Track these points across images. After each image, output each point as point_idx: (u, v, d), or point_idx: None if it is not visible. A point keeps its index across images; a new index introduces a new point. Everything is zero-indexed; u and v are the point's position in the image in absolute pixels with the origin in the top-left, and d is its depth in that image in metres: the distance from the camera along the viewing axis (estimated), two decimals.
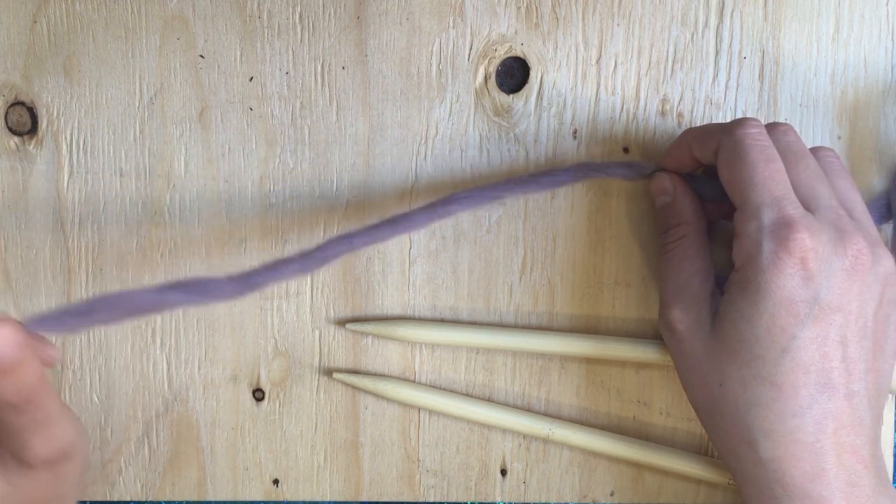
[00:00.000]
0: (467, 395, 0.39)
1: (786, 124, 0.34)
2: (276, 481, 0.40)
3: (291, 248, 0.39)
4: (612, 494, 0.40)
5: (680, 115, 0.38)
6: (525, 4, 0.38)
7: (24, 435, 0.28)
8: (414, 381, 0.39)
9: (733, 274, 0.32)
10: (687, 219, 0.35)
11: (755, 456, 0.31)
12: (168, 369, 0.40)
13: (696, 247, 0.35)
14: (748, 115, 0.38)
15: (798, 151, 0.33)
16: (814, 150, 0.34)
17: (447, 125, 0.38)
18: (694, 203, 0.36)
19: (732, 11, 0.38)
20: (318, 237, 0.39)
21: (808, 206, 0.32)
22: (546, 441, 0.39)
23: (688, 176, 0.36)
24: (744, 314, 0.31)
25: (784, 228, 0.30)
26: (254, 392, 0.39)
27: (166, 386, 0.40)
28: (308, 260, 0.32)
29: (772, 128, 0.34)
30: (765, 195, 0.31)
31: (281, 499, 0.40)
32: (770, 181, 0.31)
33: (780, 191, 0.31)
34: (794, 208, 0.31)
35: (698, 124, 0.38)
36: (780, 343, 0.30)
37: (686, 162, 0.36)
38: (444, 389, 0.39)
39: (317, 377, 0.39)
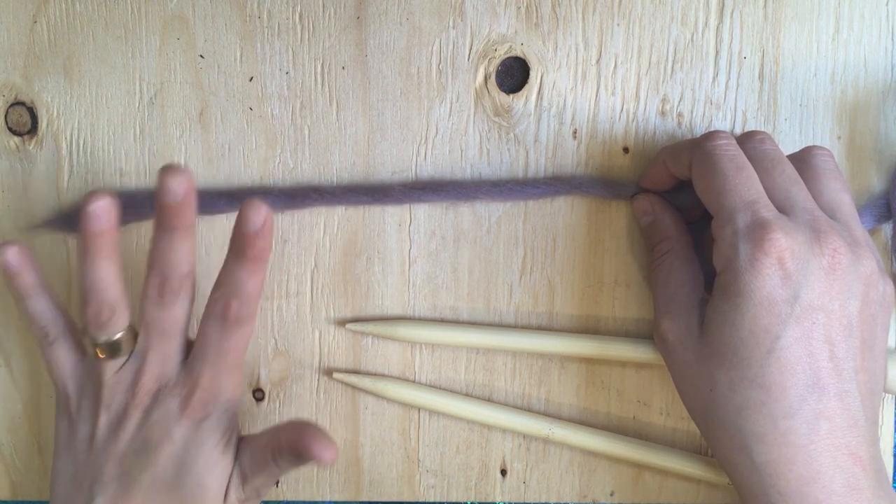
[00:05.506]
0: (467, 395, 0.39)
1: (762, 132, 0.34)
2: (276, 481, 0.40)
3: (292, 248, 0.39)
4: (612, 494, 0.40)
5: (680, 115, 0.38)
6: (525, 4, 0.38)
7: None
8: (414, 381, 0.39)
9: (716, 279, 0.32)
10: (670, 234, 0.37)
11: (749, 461, 0.31)
12: None
13: (682, 259, 0.36)
14: (748, 116, 0.38)
15: (773, 158, 0.33)
16: (808, 150, 0.34)
17: (447, 125, 0.38)
18: (675, 218, 0.37)
19: (732, 11, 0.38)
20: (318, 237, 0.39)
21: (783, 209, 0.32)
22: (546, 441, 0.39)
23: (667, 192, 0.37)
24: (727, 317, 0.31)
25: (758, 230, 0.31)
26: (254, 392, 0.39)
27: None
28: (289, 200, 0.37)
29: (748, 136, 0.34)
30: (737, 200, 0.32)
31: (281, 499, 0.40)
32: (741, 187, 0.32)
33: (753, 195, 0.32)
34: (767, 211, 0.31)
35: (698, 124, 0.38)
36: (765, 344, 0.30)
37: (663, 179, 0.37)
38: (444, 389, 0.39)
39: (317, 377, 0.39)
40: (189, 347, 0.35)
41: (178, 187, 0.32)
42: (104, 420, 0.34)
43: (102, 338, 0.34)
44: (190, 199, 0.33)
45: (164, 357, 0.34)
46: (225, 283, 0.34)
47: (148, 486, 0.33)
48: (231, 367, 0.34)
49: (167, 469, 0.33)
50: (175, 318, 0.34)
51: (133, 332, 0.35)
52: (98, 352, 0.34)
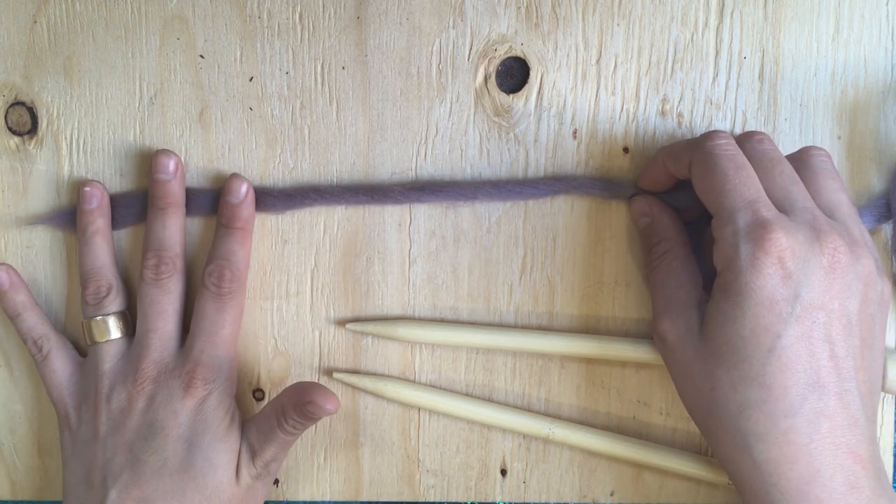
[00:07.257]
0: (467, 395, 0.39)
1: (761, 133, 0.34)
2: (276, 481, 0.40)
3: (291, 248, 0.39)
4: (612, 494, 0.40)
5: (680, 115, 0.38)
6: (525, 4, 0.38)
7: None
8: (414, 381, 0.39)
9: (716, 279, 0.32)
10: (668, 235, 0.37)
11: (750, 460, 0.31)
12: None
13: (680, 259, 0.36)
14: (748, 116, 0.38)
15: (773, 158, 0.33)
16: (805, 150, 0.35)
17: (447, 125, 0.38)
18: (673, 219, 0.37)
19: (732, 11, 0.38)
20: (318, 237, 0.39)
21: (783, 208, 0.32)
22: (546, 441, 0.39)
23: (664, 192, 0.37)
24: (728, 317, 0.31)
25: (759, 229, 0.31)
26: (254, 392, 0.39)
27: None
28: (288, 200, 0.38)
29: (747, 137, 0.34)
30: (737, 200, 0.32)
31: (281, 499, 0.40)
32: (741, 186, 0.32)
33: (753, 195, 0.32)
34: (767, 210, 0.31)
35: (698, 124, 0.38)
36: (766, 343, 0.30)
37: (662, 180, 0.37)
38: (444, 389, 0.39)
39: (317, 377, 0.39)
40: (184, 336, 0.37)
41: (172, 165, 0.37)
42: (104, 415, 0.35)
43: (98, 315, 0.36)
44: (180, 178, 0.36)
45: (162, 341, 0.36)
46: (216, 255, 0.37)
47: (159, 469, 0.34)
48: (227, 341, 0.36)
49: (176, 451, 0.34)
50: (171, 298, 0.37)
51: (126, 318, 0.37)
52: (92, 333, 0.36)
